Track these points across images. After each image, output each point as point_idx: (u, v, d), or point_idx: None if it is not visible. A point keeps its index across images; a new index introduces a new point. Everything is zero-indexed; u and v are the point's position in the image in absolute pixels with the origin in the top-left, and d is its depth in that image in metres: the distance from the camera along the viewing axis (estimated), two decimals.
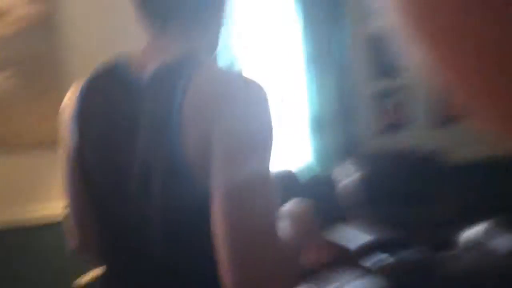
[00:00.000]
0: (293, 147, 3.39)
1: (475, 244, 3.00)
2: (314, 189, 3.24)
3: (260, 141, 0.86)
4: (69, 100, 1.09)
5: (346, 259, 2.60)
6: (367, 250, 2.64)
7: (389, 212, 3.18)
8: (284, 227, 0.91)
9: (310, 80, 3.30)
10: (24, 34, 2.66)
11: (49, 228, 2.74)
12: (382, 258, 2.57)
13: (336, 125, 3.35)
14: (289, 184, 3.12)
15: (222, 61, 3.06)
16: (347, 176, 3.19)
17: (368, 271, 2.52)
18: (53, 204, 2.78)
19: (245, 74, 0.96)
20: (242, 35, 3.12)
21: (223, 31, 1.03)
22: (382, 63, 3.55)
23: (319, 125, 3.34)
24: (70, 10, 2.78)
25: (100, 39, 2.83)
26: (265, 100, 0.87)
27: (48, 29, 2.71)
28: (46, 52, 2.72)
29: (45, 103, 2.71)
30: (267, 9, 3.28)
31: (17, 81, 2.69)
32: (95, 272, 1.70)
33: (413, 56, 0.26)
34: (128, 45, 2.76)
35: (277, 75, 3.32)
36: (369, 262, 2.56)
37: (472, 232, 3.08)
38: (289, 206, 1.07)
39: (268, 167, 0.85)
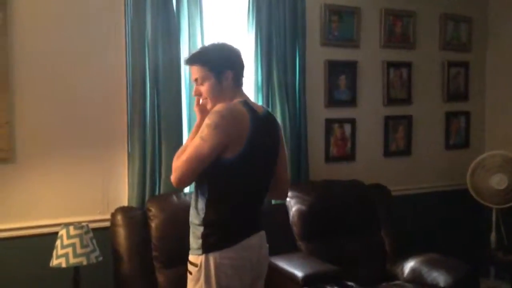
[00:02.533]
0: None
1: (416, 277, 3.10)
2: (269, 215, 3.24)
3: None
4: (241, 119, 1.95)
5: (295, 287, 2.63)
6: (314, 279, 2.67)
7: (335, 241, 3.23)
8: None
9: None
10: None
11: None
12: None
13: (288, 154, 3.38)
14: None
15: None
16: (297, 203, 3.22)
17: None
18: None
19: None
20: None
21: None
22: (337, 91, 3.65)
23: None
24: (22, 19, 2.70)
25: (49, 47, 2.78)
26: None
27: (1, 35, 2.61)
28: None
29: None
30: (222, 34, 3.30)
31: None
32: None
33: None
34: (74, 52, 2.80)
35: None
36: None
37: (413, 264, 3.18)
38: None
39: None
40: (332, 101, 3.69)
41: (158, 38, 2.95)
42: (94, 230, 2.68)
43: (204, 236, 1.94)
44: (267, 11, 3.29)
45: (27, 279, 2.71)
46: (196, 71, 2.05)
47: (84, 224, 2.63)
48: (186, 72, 3.07)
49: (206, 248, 1.93)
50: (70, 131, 2.85)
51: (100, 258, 2.62)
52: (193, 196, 2.04)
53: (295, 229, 3.22)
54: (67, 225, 2.59)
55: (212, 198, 1.97)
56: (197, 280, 1.93)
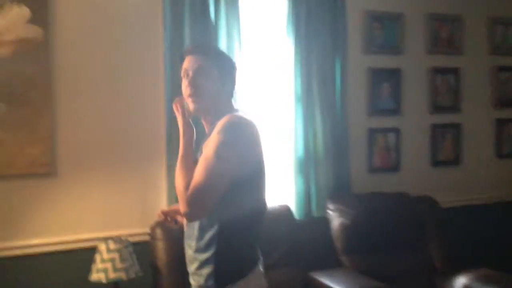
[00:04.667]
0: (288, 184, 3.31)
1: None
2: (309, 228, 3.17)
3: None
4: (253, 132, 1.71)
5: None
6: None
7: (381, 256, 3.10)
8: None
9: (301, 118, 3.26)
10: (17, 57, 2.59)
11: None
12: None
13: (329, 164, 3.29)
14: (285, 219, 3.06)
15: None
16: (340, 217, 3.12)
17: None
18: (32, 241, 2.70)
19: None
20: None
21: None
22: (380, 99, 3.53)
23: (309, 164, 3.28)
24: (64, 35, 2.74)
25: (89, 62, 2.81)
26: None
27: (42, 53, 2.64)
28: (38, 77, 2.64)
29: (34, 129, 2.62)
30: (261, 45, 3.26)
31: (7, 106, 2.59)
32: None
33: None
34: (113, 67, 2.80)
35: (268, 113, 3.29)
36: None
37: (464, 280, 3.01)
38: None
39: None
40: (375, 110, 3.57)
41: None
42: (134, 244, 2.66)
43: (215, 273, 1.68)
44: (306, 20, 3.22)
45: None
46: (200, 61, 1.75)
47: (123, 238, 2.62)
48: None
49: (219, 285, 1.68)
50: (110, 144, 2.86)
51: (140, 273, 2.60)
52: (194, 226, 1.72)
53: (338, 244, 3.11)
54: (106, 239, 2.59)
55: (224, 226, 1.67)
56: None
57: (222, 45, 3.02)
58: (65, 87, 2.76)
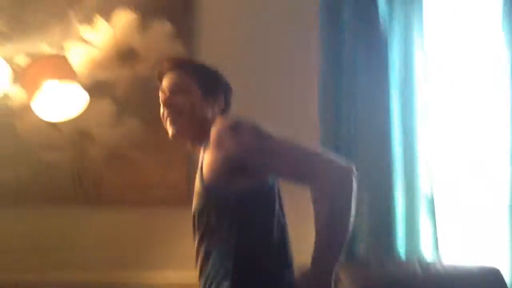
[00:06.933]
0: (498, 239, 2.38)
1: None
2: None
3: None
4: None
5: None
6: None
7: None
8: None
9: None
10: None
11: None
12: None
13: None
14: (493, 286, 2.22)
15: None
16: None
17: None
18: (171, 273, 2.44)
19: None
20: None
21: None
22: None
23: None
24: (208, 49, 2.51)
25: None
26: None
27: None
28: None
29: (172, 151, 2.41)
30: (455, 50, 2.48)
31: (146, 126, 2.46)
32: None
33: None
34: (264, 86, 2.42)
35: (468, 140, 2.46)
36: None
37: None
38: None
39: None
40: None
41: (357, 59, 2.35)
42: None
43: None
44: None
45: None
46: (178, 78, 1.53)
47: None
48: (396, 104, 2.37)
49: None
50: None
51: None
52: (200, 256, 1.45)
53: None
54: None
55: (244, 253, 1.33)
56: None
57: (395, 52, 2.36)
58: None
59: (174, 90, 1.52)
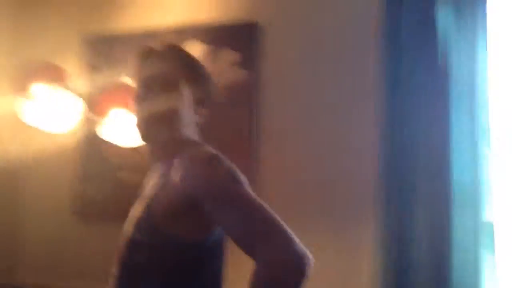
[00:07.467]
0: None
1: None
2: None
3: None
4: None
5: None
6: None
7: None
8: None
9: None
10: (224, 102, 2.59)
11: None
12: None
13: None
14: None
15: None
16: None
17: None
18: None
19: None
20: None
21: None
22: None
23: None
24: (273, 79, 2.55)
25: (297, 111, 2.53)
26: None
27: (247, 97, 2.55)
28: (243, 122, 2.55)
29: None
30: None
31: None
32: None
33: None
34: (324, 117, 2.46)
35: None
36: None
37: None
38: None
39: None
40: None
41: (416, 81, 2.22)
42: None
43: None
44: None
45: None
46: (159, 67, 1.20)
47: None
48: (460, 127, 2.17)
49: None
50: (312, 196, 2.44)
51: None
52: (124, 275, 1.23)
53: None
54: None
55: None
56: None
57: (452, 66, 2.17)
58: (270, 131, 2.55)
59: (151, 80, 1.22)
